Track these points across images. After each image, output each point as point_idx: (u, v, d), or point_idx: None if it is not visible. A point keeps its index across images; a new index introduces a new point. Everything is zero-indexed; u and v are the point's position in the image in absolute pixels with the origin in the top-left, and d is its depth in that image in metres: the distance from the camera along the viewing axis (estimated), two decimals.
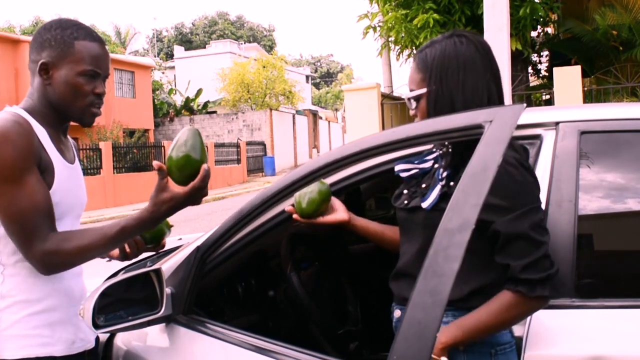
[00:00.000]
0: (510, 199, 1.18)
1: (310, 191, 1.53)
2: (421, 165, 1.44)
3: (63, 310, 1.46)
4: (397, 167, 1.48)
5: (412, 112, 1.39)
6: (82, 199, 1.58)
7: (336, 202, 1.60)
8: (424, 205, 1.30)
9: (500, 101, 1.32)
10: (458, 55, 1.29)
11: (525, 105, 1.07)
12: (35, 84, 1.47)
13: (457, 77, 1.29)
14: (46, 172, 1.40)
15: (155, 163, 1.31)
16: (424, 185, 1.38)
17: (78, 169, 1.58)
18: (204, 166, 1.29)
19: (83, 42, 1.44)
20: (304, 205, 1.53)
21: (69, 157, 1.52)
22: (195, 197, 1.31)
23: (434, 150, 1.44)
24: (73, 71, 1.43)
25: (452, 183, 1.28)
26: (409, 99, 1.37)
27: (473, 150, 1.26)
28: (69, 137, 1.59)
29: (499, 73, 1.33)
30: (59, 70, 1.43)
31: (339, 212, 1.58)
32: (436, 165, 1.40)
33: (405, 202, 1.39)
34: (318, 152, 31.27)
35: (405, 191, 1.42)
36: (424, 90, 1.33)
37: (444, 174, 1.31)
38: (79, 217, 1.58)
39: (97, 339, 1.60)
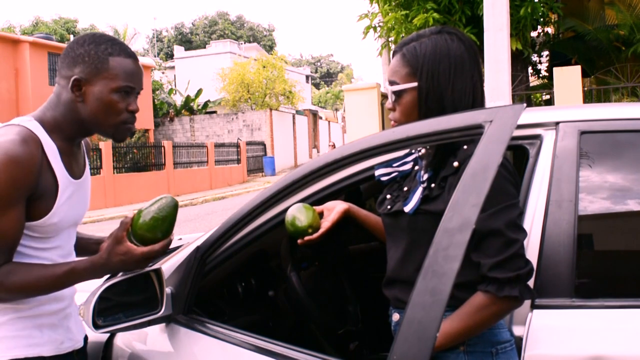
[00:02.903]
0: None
1: (296, 211, 1.49)
2: (401, 168, 1.42)
3: (53, 315, 1.45)
4: (377, 172, 1.46)
5: (388, 106, 1.35)
6: (83, 211, 1.54)
7: (328, 204, 1.59)
8: (406, 209, 1.28)
9: (482, 104, 1.32)
10: (449, 54, 1.27)
11: (525, 105, 1.06)
12: (63, 98, 1.40)
13: (447, 76, 1.27)
14: (47, 194, 1.37)
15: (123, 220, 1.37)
16: (405, 189, 1.35)
17: (85, 182, 1.52)
18: (170, 237, 1.36)
19: (118, 58, 1.40)
20: (302, 224, 1.47)
21: (77, 172, 1.47)
22: (149, 260, 1.37)
23: (413, 151, 1.42)
24: (107, 88, 1.38)
25: (433, 185, 1.26)
26: (391, 92, 1.32)
27: (453, 151, 1.26)
28: (82, 142, 1.53)
29: (483, 76, 1.33)
30: (92, 87, 1.38)
31: (336, 207, 1.57)
32: (416, 167, 1.38)
33: (389, 207, 1.37)
34: (318, 152, 31.27)
35: (388, 196, 1.40)
36: (412, 84, 1.29)
37: (425, 176, 1.29)
38: (76, 225, 1.55)
39: (86, 338, 1.59)
